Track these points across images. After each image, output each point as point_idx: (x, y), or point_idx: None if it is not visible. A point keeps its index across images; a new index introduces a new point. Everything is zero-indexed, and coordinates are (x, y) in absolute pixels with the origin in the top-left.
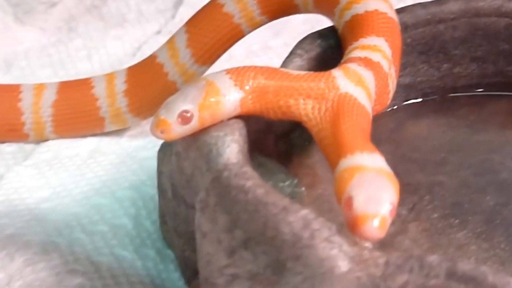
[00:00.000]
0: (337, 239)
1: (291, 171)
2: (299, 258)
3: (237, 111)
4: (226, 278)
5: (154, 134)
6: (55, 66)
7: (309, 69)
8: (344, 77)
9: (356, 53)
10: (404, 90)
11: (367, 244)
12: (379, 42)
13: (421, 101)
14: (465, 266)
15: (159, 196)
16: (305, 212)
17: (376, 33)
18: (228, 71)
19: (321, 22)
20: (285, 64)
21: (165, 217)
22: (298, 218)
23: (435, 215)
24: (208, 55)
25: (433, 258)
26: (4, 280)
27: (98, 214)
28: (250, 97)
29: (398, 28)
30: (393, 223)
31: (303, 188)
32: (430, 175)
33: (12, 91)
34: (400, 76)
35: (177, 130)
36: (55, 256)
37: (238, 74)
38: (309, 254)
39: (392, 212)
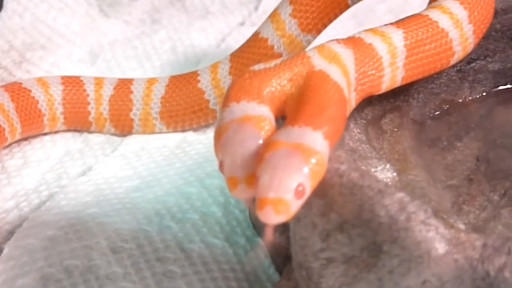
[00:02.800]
0: (433, 221)
1: (383, 157)
2: (396, 241)
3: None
4: (321, 262)
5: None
6: (140, 58)
7: None
8: (318, 55)
9: (357, 34)
10: (493, 76)
11: (462, 227)
12: (392, 31)
13: (511, 88)
14: None
15: None
16: (400, 195)
17: (398, 25)
18: (258, 100)
19: (405, 11)
20: None
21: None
22: (394, 201)
23: None
24: (314, 23)
25: None
26: (93, 267)
27: (187, 202)
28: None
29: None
30: (484, 209)
31: (394, 174)
32: None
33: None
34: (489, 63)
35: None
36: (146, 244)
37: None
38: (406, 236)
39: (299, 193)
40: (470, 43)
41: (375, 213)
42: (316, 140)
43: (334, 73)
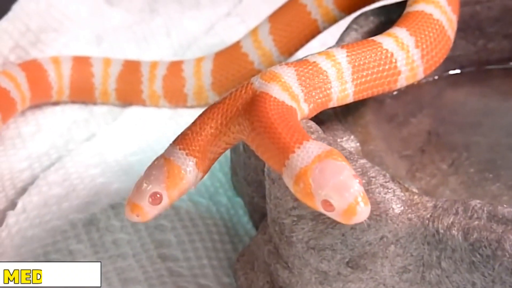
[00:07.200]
0: (391, 185)
1: (348, 129)
2: None
3: (199, 176)
4: (293, 219)
5: (130, 219)
6: (139, 41)
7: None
8: (259, 79)
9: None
10: (444, 62)
11: (415, 191)
12: (335, 50)
13: (459, 73)
14: (504, 209)
15: (231, 151)
16: (363, 161)
17: (342, 47)
18: (178, 143)
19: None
20: (342, 37)
21: (236, 169)
22: (357, 166)
23: (472, 170)
24: (290, 45)
25: (475, 202)
26: (94, 220)
27: None
28: (201, 156)
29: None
30: (434, 176)
31: (357, 144)
32: (467, 135)
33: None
34: None
35: (151, 211)
36: None
37: (186, 143)
38: None
39: (361, 181)
40: (418, 65)
41: None
42: (318, 144)
43: (273, 89)
